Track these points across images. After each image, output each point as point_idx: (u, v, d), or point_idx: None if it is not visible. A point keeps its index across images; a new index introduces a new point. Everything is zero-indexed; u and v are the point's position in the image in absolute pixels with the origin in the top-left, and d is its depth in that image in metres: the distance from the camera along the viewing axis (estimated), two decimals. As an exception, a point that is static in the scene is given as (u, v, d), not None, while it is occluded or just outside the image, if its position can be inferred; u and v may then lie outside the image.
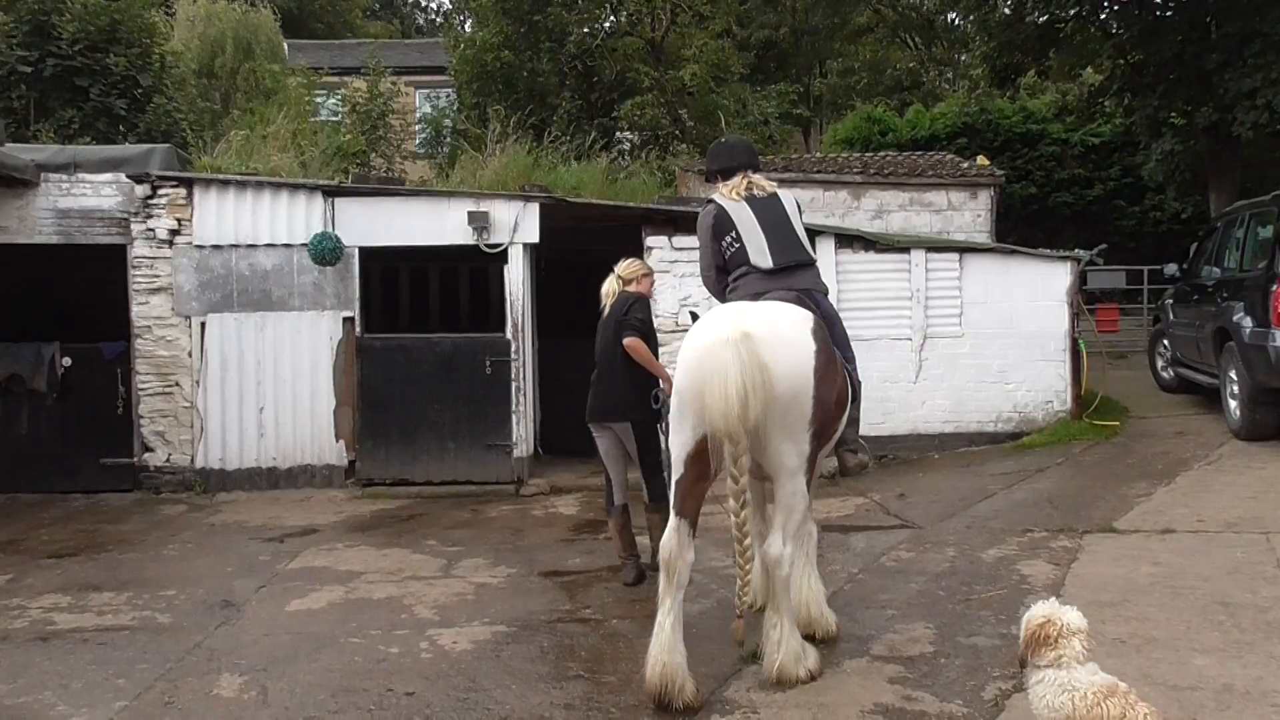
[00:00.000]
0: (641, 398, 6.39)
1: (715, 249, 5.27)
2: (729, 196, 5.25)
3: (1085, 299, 12.81)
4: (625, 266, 6.76)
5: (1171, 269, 12.70)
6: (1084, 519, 7.43)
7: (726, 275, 5.28)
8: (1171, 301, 12.50)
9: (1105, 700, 3.25)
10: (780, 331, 4.53)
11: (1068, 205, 22.97)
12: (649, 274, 6.89)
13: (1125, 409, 11.46)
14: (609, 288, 6.67)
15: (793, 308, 4.82)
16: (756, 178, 5.34)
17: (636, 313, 6.44)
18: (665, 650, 4.42)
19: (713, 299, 5.78)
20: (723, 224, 5.20)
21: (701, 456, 4.52)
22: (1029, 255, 11.01)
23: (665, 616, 4.49)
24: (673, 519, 4.59)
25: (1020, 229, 20.96)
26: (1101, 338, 13.79)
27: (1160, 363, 12.90)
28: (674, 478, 4.64)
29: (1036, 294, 10.67)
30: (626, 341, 6.30)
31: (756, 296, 4.92)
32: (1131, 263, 20.20)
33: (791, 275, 5.07)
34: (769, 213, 5.18)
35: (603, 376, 6.53)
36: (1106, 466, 9.17)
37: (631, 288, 6.65)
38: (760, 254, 5.06)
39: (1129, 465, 9.11)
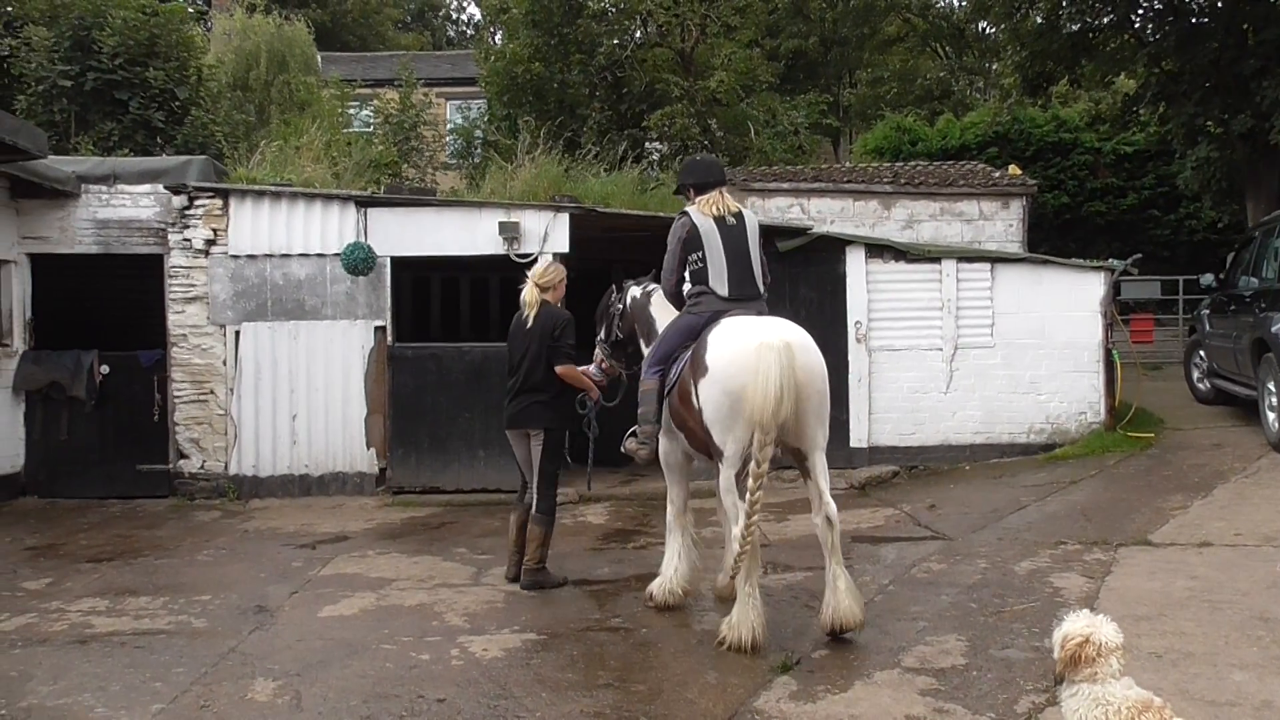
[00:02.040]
0: (559, 410, 6.72)
1: (681, 259, 5.87)
2: (703, 211, 5.83)
3: (1119, 309, 12.67)
4: (541, 273, 6.83)
5: (1208, 279, 12.54)
6: (1118, 531, 7.35)
7: (684, 284, 5.91)
8: (1208, 312, 12.34)
9: (1140, 716, 3.20)
10: (805, 340, 5.34)
11: (1101, 215, 22.75)
12: (564, 278, 6.94)
13: (1160, 420, 11.32)
14: (529, 296, 6.76)
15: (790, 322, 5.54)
16: (728, 195, 5.95)
17: (568, 338, 6.65)
18: (758, 614, 5.22)
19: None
20: (693, 241, 5.79)
21: (752, 452, 5.21)
22: (1062, 265, 10.93)
23: (754, 589, 5.26)
24: (743, 508, 5.15)
25: (1052, 239, 20.78)
26: (1135, 348, 13.62)
27: (1196, 374, 12.74)
28: (732, 471, 5.30)
29: (1069, 304, 10.60)
30: (560, 370, 6.59)
31: (718, 315, 5.61)
32: (1166, 273, 19.97)
33: (744, 304, 5.72)
34: (733, 241, 5.78)
35: (526, 387, 6.66)
36: (1141, 479, 9.06)
37: (549, 295, 6.76)
38: (719, 281, 5.73)
39: (1164, 477, 8.99)
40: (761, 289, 5.89)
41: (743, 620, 5.23)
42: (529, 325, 6.68)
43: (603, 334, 6.94)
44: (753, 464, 5.09)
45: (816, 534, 5.42)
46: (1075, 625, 3.41)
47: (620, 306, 6.79)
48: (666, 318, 6.33)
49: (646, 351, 6.33)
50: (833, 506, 5.34)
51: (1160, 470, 9.29)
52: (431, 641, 5.60)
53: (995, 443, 10.63)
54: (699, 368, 5.35)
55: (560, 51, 19.31)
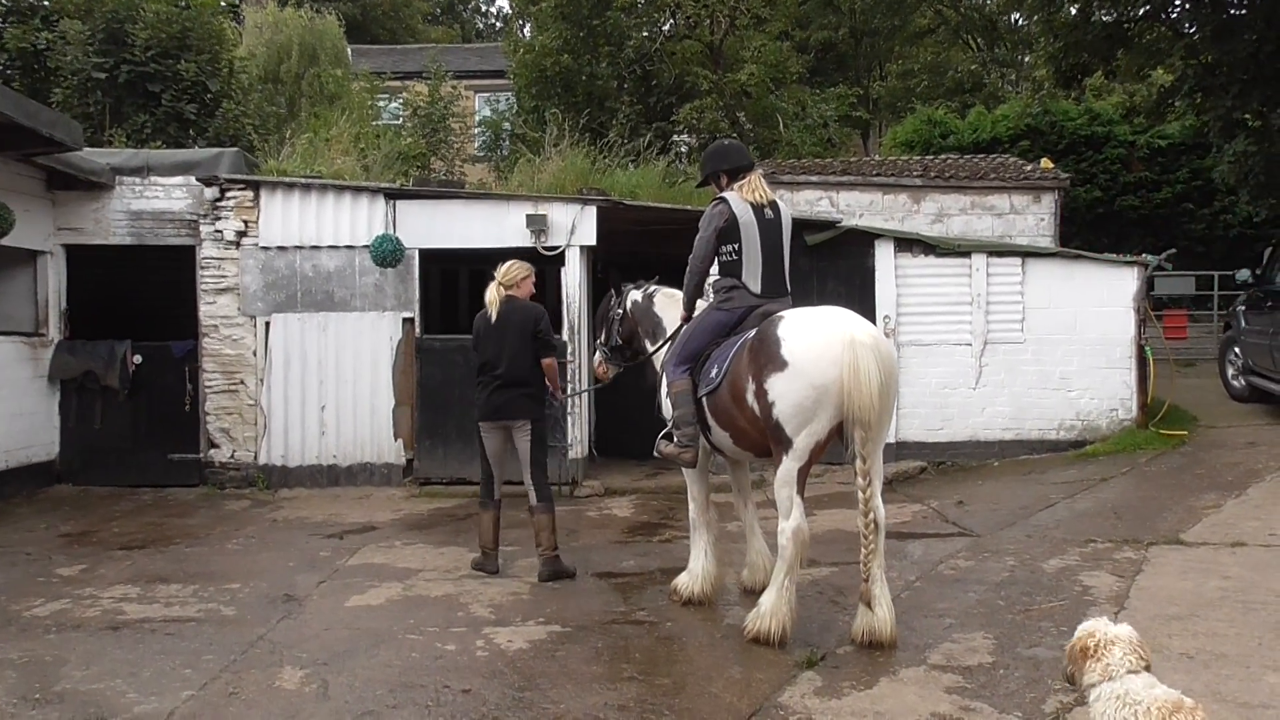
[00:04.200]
0: (542, 402, 6.86)
1: (715, 249, 5.72)
2: (743, 198, 5.66)
3: (1152, 305, 12.50)
4: (506, 272, 6.87)
5: (1244, 274, 12.36)
6: (1150, 530, 7.26)
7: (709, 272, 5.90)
8: (1244, 308, 12.16)
9: (1171, 716, 3.15)
10: (881, 334, 5.29)
11: (1134, 209, 22.44)
12: (529, 275, 6.99)
13: (1194, 418, 11.18)
14: (492, 295, 6.82)
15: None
16: (764, 182, 5.79)
17: (550, 332, 6.84)
18: (790, 608, 5.20)
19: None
20: (730, 232, 5.63)
21: (824, 445, 5.19)
22: (1094, 260, 10.82)
23: (792, 584, 5.23)
24: (798, 503, 5.16)
25: (1085, 233, 20.54)
26: (1169, 345, 13.44)
27: (1231, 371, 12.56)
28: (796, 464, 5.15)
29: (1102, 299, 10.48)
30: (545, 362, 6.76)
31: (752, 310, 5.60)
32: (1201, 268, 19.70)
33: (774, 301, 5.65)
34: (770, 236, 5.66)
35: (510, 381, 6.71)
36: (1173, 477, 8.95)
37: (514, 292, 6.82)
38: (753, 278, 5.64)
39: (1197, 476, 8.88)
40: (788, 288, 5.80)
41: (775, 611, 5.18)
42: (497, 321, 6.76)
43: (603, 338, 6.97)
44: (859, 462, 5.05)
45: (860, 535, 5.15)
46: (1079, 631, 3.40)
47: (620, 311, 6.78)
48: (671, 314, 6.32)
49: (661, 351, 6.27)
50: (883, 511, 5.21)
51: (1193, 468, 9.17)
52: (457, 632, 5.63)
53: (1024, 439, 10.54)
54: (770, 362, 5.12)
55: (589, 44, 19.30)
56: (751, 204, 5.64)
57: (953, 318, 10.59)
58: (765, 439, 5.31)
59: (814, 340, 5.07)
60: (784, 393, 5.08)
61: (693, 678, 4.89)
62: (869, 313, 10.49)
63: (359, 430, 10.35)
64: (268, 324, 10.37)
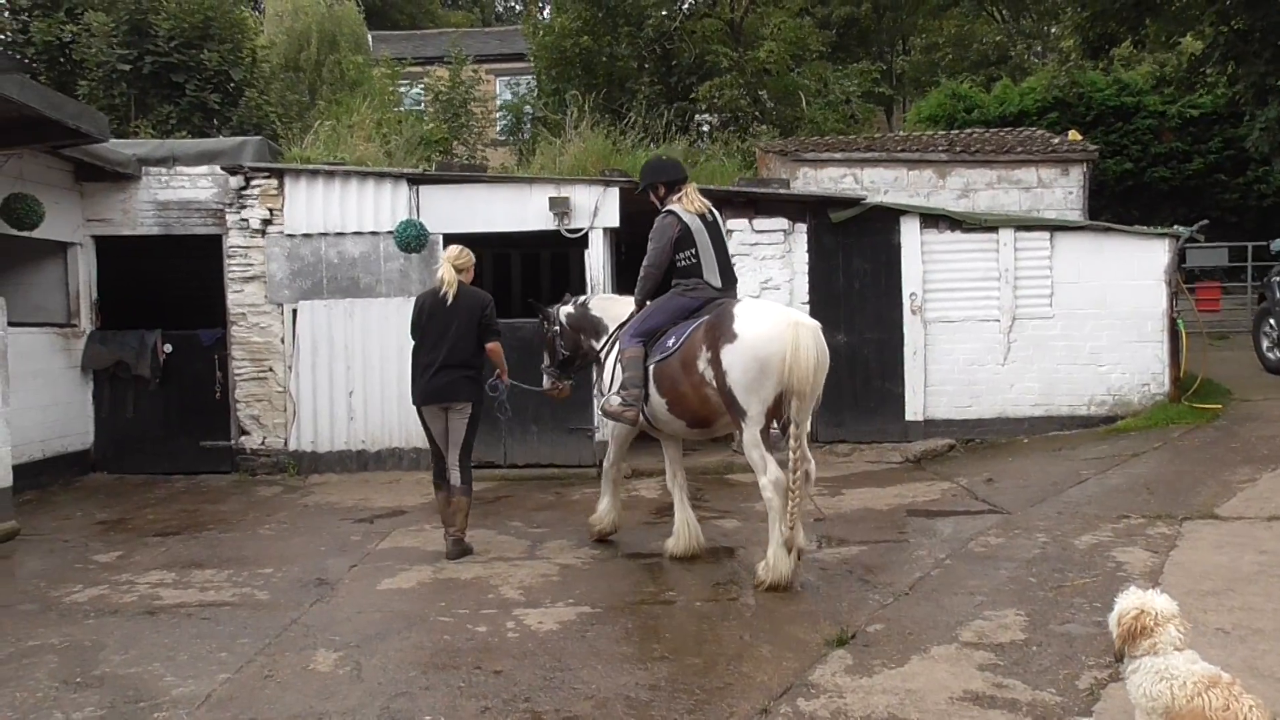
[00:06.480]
0: (482, 385, 7.02)
1: (670, 256, 6.39)
2: (688, 209, 6.37)
3: (1184, 277, 12.32)
4: (458, 255, 7.07)
5: (1278, 244, 12.16)
6: (1184, 505, 7.18)
7: (666, 276, 6.50)
8: (1278, 279, 11.96)
9: (1207, 691, 3.13)
10: (819, 327, 5.95)
11: (1165, 180, 22.09)
12: (474, 261, 7.23)
13: (1227, 391, 11.02)
14: (448, 276, 6.94)
15: None
16: (697, 190, 6.55)
17: (495, 318, 6.98)
18: (788, 558, 5.82)
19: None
20: (685, 239, 6.36)
21: (774, 412, 5.89)
22: (1124, 233, 10.65)
23: (786, 530, 5.78)
24: (770, 458, 5.86)
25: (1114, 206, 20.26)
26: (1201, 317, 13.25)
27: (1266, 343, 12.38)
28: (755, 428, 5.87)
29: (1132, 273, 10.33)
30: (490, 346, 6.93)
31: (711, 301, 6.30)
32: (1234, 239, 19.39)
33: (727, 293, 6.44)
34: (717, 239, 6.46)
35: (451, 363, 6.79)
36: (1207, 451, 8.83)
37: (464, 276, 6.98)
38: (712, 274, 6.42)
39: (1232, 450, 8.76)
40: (736, 278, 6.67)
41: (777, 565, 5.77)
42: (450, 303, 6.84)
43: (547, 360, 7.43)
44: (793, 427, 5.73)
45: (791, 487, 5.71)
46: (1128, 601, 3.37)
47: (555, 328, 7.28)
48: (613, 312, 6.95)
49: (605, 342, 6.90)
50: (813, 464, 5.94)
51: (1227, 442, 9.05)
52: (488, 614, 5.67)
53: (1054, 415, 10.43)
54: (723, 336, 5.88)
55: (609, 24, 19.18)
56: (695, 213, 6.35)
57: (980, 294, 10.48)
58: (703, 408, 6.12)
59: (761, 321, 5.87)
60: (733, 363, 5.84)
61: (723, 657, 4.90)
62: (895, 290, 10.43)
63: (387, 415, 10.41)
64: (295, 311, 10.44)
